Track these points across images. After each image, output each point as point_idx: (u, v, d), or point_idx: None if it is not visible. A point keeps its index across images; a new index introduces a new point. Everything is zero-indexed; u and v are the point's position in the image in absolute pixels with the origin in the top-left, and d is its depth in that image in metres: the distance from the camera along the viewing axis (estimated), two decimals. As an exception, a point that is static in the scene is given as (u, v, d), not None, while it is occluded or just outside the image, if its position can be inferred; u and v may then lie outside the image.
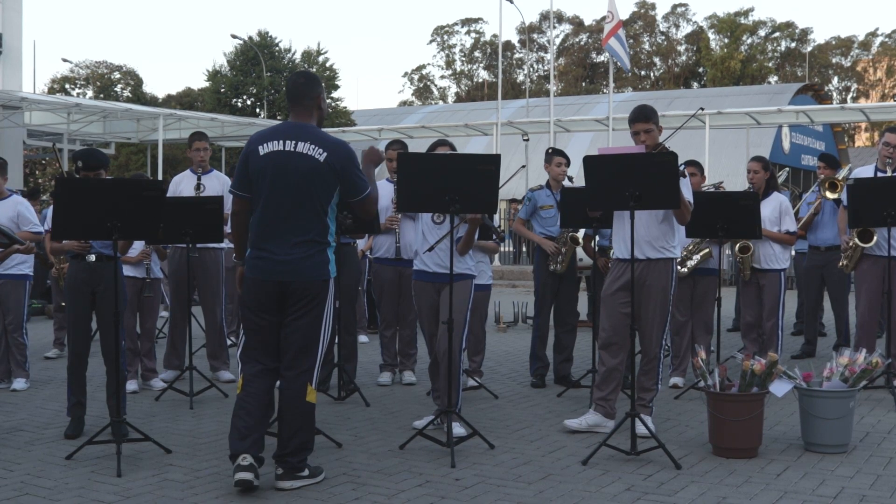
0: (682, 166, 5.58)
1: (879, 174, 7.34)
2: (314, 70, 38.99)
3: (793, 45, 66.00)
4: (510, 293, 16.27)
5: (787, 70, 65.10)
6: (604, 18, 21.31)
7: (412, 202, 5.46)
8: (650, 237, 5.57)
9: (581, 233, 7.43)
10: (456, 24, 72.48)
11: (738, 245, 7.49)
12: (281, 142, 4.55)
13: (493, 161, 5.32)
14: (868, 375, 5.42)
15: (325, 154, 4.53)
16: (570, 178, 7.48)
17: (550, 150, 7.61)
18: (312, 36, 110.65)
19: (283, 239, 4.51)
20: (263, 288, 4.54)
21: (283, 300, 4.55)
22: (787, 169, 17.58)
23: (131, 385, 6.96)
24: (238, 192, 4.68)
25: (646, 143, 5.67)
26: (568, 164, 7.54)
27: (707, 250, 7.28)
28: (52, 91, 43.63)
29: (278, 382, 4.63)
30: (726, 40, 63.47)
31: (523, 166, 8.02)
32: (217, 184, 7.61)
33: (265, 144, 4.57)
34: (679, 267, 7.25)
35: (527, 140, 26.10)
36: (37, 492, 4.50)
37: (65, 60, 50.13)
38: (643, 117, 5.72)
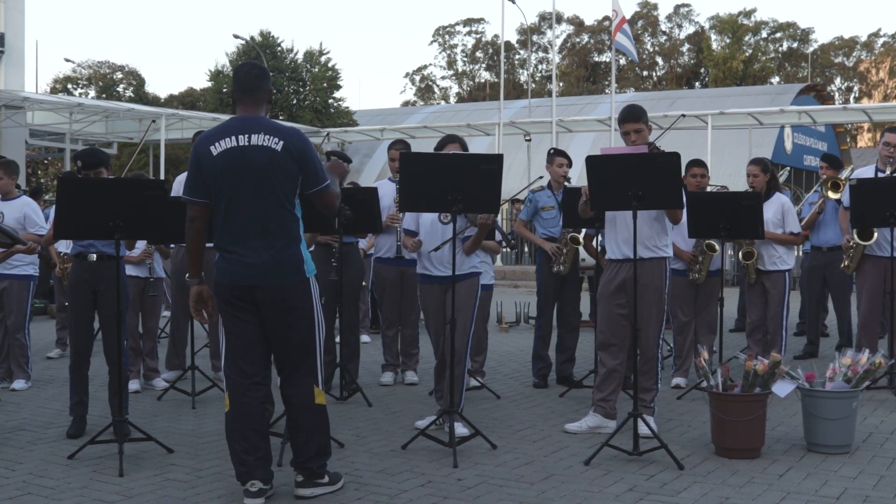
0: None
1: (880, 174, 7.33)
2: (317, 70, 39.00)
3: (794, 45, 65.95)
4: (512, 293, 16.27)
5: (788, 70, 65.07)
6: (605, 19, 21.30)
7: (415, 202, 5.45)
8: (642, 237, 5.55)
9: (583, 232, 7.43)
10: (457, 24, 72.46)
11: (741, 252, 7.48)
12: (233, 137, 4.26)
13: (495, 161, 5.30)
14: (871, 376, 5.42)
15: (281, 143, 4.26)
16: (568, 180, 7.47)
17: (552, 151, 7.62)
18: (314, 36, 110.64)
19: (252, 239, 4.28)
20: (236, 293, 4.32)
21: (259, 303, 4.33)
22: (789, 168, 17.57)
23: (133, 385, 6.95)
24: (193, 199, 4.35)
25: (636, 143, 5.66)
26: (570, 164, 7.54)
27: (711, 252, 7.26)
28: (54, 91, 43.69)
29: (281, 389, 4.50)
30: (728, 40, 63.43)
31: (540, 177, 8.02)
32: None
33: (217, 143, 4.27)
34: (695, 275, 7.25)
35: (529, 140, 26.10)
36: (39, 491, 4.49)
37: (67, 60, 50.18)
38: (633, 117, 5.70)
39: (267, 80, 4.48)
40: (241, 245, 4.30)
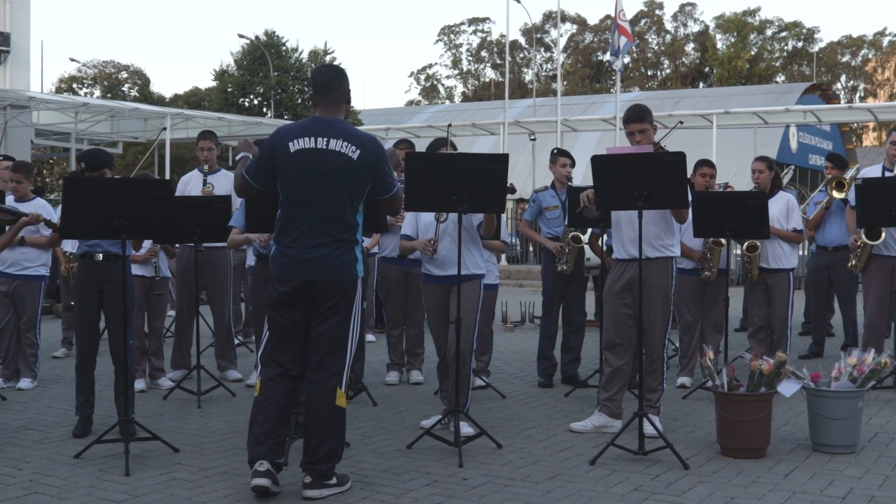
0: None
1: (887, 174, 7.32)
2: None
3: (800, 44, 65.85)
4: (517, 293, 16.27)
5: (793, 69, 64.96)
6: (608, 17, 21.37)
7: (420, 202, 5.45)
8: (649, 236, 5.55)
9: (588, 232, 7.43)
10: (463, 23, 72.50)
11: (745, 244, 7.47)
12: (312, 139, 4.39)
13: (500, 160, 5.31)
14: (876, 376, 5.41)
15: (358, 152, 4.41)
16: (571, 179, 7.47)
17: (556, 151, 7.62)
18: (319, 35, 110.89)
19: (311, 237, 4.38)
20: (289, 288, 4.41)
21: (310, 300, 4.41)
22: (793, 167, 17.56)
23: (139, 384, 6.96)
24: (253, 183, 4.53)
25: (641, 143, 5.66)
26: (573, 164, 7.54)
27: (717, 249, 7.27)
28: (59, 90, 43.76)
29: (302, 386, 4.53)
30: (733, 39, 63.35)
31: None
32: (224, 183, 7.65)
33: (295, 141, 4.40)
34: (707, 273, 7.24)
35: (534, 140, 26.12)
36: (45, 490, 4.51)
37: (72, 60, 50.25)
38: (637, 118, 5.69)
39: (343, 82, 4.59)
40: (300, 242, 4.41)
